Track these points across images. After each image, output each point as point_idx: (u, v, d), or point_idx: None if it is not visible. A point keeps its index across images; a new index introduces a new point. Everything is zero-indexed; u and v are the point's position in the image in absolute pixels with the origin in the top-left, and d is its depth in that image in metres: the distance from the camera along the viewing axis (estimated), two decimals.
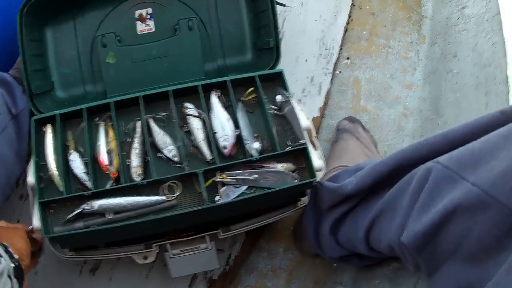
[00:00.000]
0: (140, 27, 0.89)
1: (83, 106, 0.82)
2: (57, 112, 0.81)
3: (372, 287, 0.87)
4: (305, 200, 0.82)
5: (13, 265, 0.59)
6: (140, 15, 0.88)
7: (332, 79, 1.02)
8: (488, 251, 0.52)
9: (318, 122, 0.99)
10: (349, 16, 1.08)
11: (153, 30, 0.89)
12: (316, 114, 0.99)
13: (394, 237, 0.62)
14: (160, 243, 0.80)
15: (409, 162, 0.64)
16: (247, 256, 0.93)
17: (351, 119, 0.97)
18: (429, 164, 0.58)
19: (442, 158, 0.57)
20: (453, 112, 1.03)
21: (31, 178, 0.77)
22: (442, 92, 1.05)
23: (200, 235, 0.80)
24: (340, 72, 1.04)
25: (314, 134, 0.85)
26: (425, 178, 0.58)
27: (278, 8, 0.87)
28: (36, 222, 0.74)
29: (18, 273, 0.60)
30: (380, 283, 0.86)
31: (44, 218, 0.74)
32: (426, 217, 0.56)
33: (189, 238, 0.80)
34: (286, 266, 0.93)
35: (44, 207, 0.75)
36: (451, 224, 0.53)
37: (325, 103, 1.00)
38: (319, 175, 0.84)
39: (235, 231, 0.80)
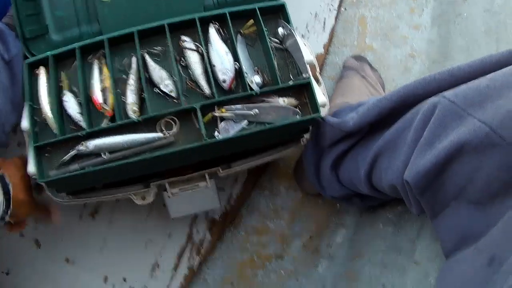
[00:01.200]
0: None
1: (76, 45, 0.78)
2: (49, 53, 0.78)
3: (375, 231, 0.86)
4: (307, 137, 0.80)
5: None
6: None
7: (337, 16, 0.97)
8: (494, 195, 0.49)
9: (322, 59, 0.95)
10: None
11: None
12: (320, 50, 0.95)
13: (396, 175, 0.60)
14: (158, 182, 0.78)
15: (413, 98, 0.61)
16: (248, 196, 0.92)
17: (358, 57, 0.93)
18: (434, 98, 0.55)
19: (448, 93, 0.54)
20: (462, 56, 0.99)
21: (25, 122, 0.75)
22: (450, 36, 1.01)
23: (199, 172, 0.78)
24: (345, 9, 0.99)
25: (317, 69, 0.82)
26: (430, 113, 0.55)
27: None
28: (31, 167, 0.72)
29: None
30: (384, 227, 0.85)
31: (39, 163, 0.72)
32: (430, 154, 0.53)
33: (187, 176, 0.78)
34: (288, 206, 0.92)
35: (39, 151, 0.73)
36: (457, 163, 0.51)
37: (330, 40, 0.95)
38: (323, 111, 0.81)
39: (235, 168, 0.78)
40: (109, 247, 0.91)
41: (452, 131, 0.51)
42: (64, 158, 0.71)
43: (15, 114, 0.84)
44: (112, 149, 0.72)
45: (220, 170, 0.77)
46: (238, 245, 0.90)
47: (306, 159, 0.83)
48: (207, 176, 0.78)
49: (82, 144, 0.71)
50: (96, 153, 0.72)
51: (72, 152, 0.72)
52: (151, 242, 0.90)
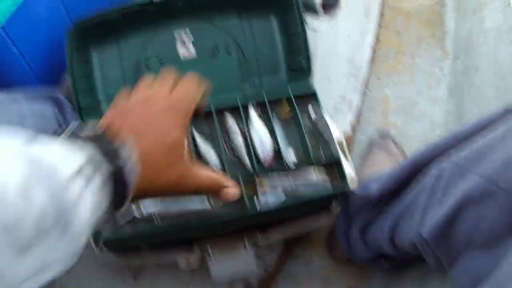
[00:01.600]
0: (181, 50, 0.97)
1: None
2: None
3: None
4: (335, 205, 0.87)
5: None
6: (181, 38, 0.96)
7: (362, 97, 1.07)
8: (499, 237, 0.56)
9: (350, 138, 1.04)
10: (376, 37, 1.14)
11: (194, 55, 0.96)
12: (348, 130, 1.04)
13: (415, 233, 0.67)
14: (200, 244, 0.85)
15: (425, 163, 0.70)
16: (284, 263, 0.97)
17: (383, 135, 1.03)
18: (442, 164, 0.64)
19: (453, 157, 0.63)
20: None
21: None
22: (465, 105, 1.09)
23: (237, 235, 0.84)
24: (369, 90, 1.10)
25: (345, 147, 0.90)
26: (439, 177, 0.64)
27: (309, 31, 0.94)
28: None
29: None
30: (411, 286, 0.89)
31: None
32: (441, 211, 0.61)
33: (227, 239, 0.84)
34: (321, 273, 0.97)
35: None
36: (463, 214, 0.58)
37: (357, 120, 1.05)
38: (351, 185, 0.89)
39: (273, 238, 0.85)
40: None
41: (457, 188, 0.59)
42: (119, 221, 0.79)
43: None
44: (163, 215, 0.80)
45: (258, 235, 0.84)
46: None
47: (338, 228, 0.90)
48: (245, 239, 0.85)
49: (137, 208, 0.79)
50: (146, 218, 0.80)
51: (128, 217, 0.80)
52: None
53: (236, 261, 0.85)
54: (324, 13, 1.05)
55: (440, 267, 0.69)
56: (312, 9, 1.03)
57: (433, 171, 0.66)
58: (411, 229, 0.69)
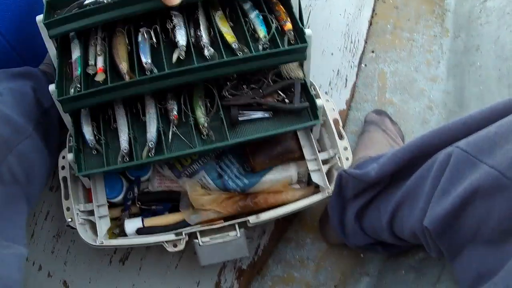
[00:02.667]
0: None
1: None
2: None
3: (397, 277, 0.87)
4: (329, 189, 0.83)
5: None
6: None
7: (357, 72, 1.03)
8: (506, 234, 0.52)
9: (344, 114, 1.00)
10: (373, 10, 1.09)
11: None
12: (343, 106, 1.00)
13: (416, 222, 0.63)
14: (189, 231, 0.81)
15: (429, 148, 0.65)
16: (275, 246, 0.94)
17: (378, 112, 0.98)
18: (449, 148, 0.59)
19: (461, 143, 0.57)
20: (476, 105, 1.03)
21: None
22: (465, 85, 1.05)
23: (230, 222, 0.81)
24: (365, 65, 1.05)
25: (340, 124, 0.86)
26: (445, 163, 0.59)
27: (303, 3, 0.89)
28: None
29: None
30: (406, 273, 0.86)
31: None
32: (446, 201, 0.56)
33: (218, 225, 0.81)
34: (313, 257, 0.94)
35: None
36: (471, 207, 0.54)
37: (351, 96, 1.00)
38: (346, 164, 0.85)
39: (264, 217, 0.81)
40: None
41: (465, 178, 0.55)
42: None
43: (52, 159, 0.89)
44: None
45: (250, 220, 0.80)
46: None
47: (331, 211, 0.86)
48: (237, 226, 0.81)
49: None
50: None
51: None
52: None
53: (226, 247, 0.82)
54: None
55: (441, 257, 0.65)
56: None
57: (439, 156, 0.61)
58: (412, 218, 0.65)
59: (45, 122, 0.86)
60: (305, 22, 0.87)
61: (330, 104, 0.86)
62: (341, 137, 0.86)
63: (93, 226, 0.86)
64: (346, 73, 1.02)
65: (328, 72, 1.02)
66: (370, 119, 0.97)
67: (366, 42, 1.06)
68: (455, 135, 0.61)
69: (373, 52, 1.07)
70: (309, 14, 0.83)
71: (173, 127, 0.80)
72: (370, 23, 1.08)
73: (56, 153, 0.91)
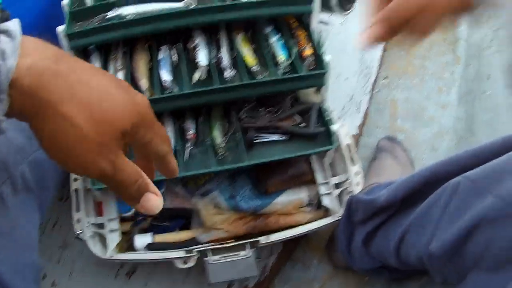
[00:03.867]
0: None
1: None
2: None
3: None
4: (339, 213, 0.84)
5: None
6: None
7: (370, 98, 1.04)
8: (507, 261, 0.54)
9: (356, 139, 1.01)
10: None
11: None
12: (355, 131, 1.01)
13: (424, 248, 0.65)
14: (200, 249, 0.82)
15: (439, 177, 0.67)
16: (282, 267, 0.94)
17: (390, 139, 1.00)
18: (457, 179, 0.61)
19: (469, 173, 0.59)
20: (486, 132, 1.05)
21: None
22: (476, 112, 1.07)
23: (241, 242, 0.82)
24: (378, 91, 1.06)
25: (353, 148, 0.87)
26: (453, 192, 0.61)
27: (318, 27, 0.89)
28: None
29: None
30: None
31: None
32: (453, 228, 0.58)
33: (229, 245, 0.81)
34: (319, 278, 0.94)
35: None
36: (476, 235, 0.56)
37: (364, 121, 1.02)
38: (356, 190, 0.86)
39: (274, 240, 0.82)
40: None
41: (472, 207, 0.57)
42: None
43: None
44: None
45: (260, 241, 0.81)
46: None
47: (339, 234, 0.87)
48: (248, 246, 0.82)
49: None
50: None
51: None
52: None
53: (236, 265, 0.82)
54: (340, 8, 1.01)
55: (447, 282, 0.66)
56: (327, 5, 0.99)
57: (448, 186, 0.62)
58: (419, 243, 0.66)
59: None
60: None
61: (344, 129, 0.87)
62: (353, 162, 0.87)
63: (102, 239, 0.87)
64: (360, 98, 1.04)
65: (342, 97, 1.03)
66: (382, 146, 0.98)
67: (379, 68, 1.07)
68: (464, 165, 0.63)
69: (386, 78, 1.09)
70: (323, 43, 0.84)
71: (191, 146, 0.80)
72: (384, 49, 1.09)
73: None
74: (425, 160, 1.03)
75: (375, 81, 1.06)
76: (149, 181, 0.41)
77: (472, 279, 0.60)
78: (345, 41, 1.07)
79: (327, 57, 0.81)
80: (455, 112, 1.08)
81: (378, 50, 1.09)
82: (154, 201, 0.41)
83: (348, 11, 1.03)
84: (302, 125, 0.83)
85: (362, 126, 1.02)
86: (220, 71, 0.81)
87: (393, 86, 1.09)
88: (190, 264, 0.82)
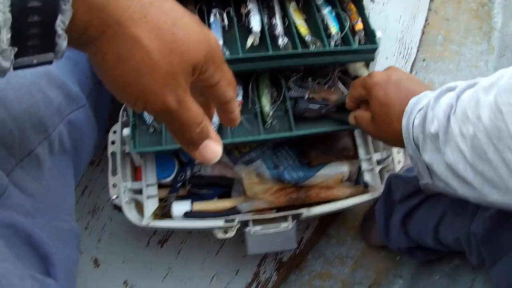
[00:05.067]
0: None
1: None
2: None
3: (431, 282, 0.89)
4: (379, 190, 0.84)
5: None
6: None
7: None
8: None
9: None
10: (426, 20, 1.10)
11: None
12: None
13: (463, 228, 0.65)
14: (242, 219, 0.81)
15: None
16: (316, 242, 0.94)
17: None
18: None
19: None
20: None
21: None
22: None
23: (283, 214, 0.81)
24: (416, 73, 1.06)
25: None
26: None
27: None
28: None
29: None
30: (440, 279, 0.88)
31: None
32: (494, 208, 0.58)
33: (272, 215, 0.81)
34: (352, 255, 0.94)
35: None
36: None
37: None
38: (398, 167, 0.86)
39: (316, 213, 0.82)
40: (173, 277, 0.92)
41: None
42: None
43: (99, 132, 0.86)
44: None
45: (304, 212, 0.81)
46: None
47: (377, 212, 0.86)
48: (290, 218, 0.81)
49: None
50: None
51: None
52: (217, 277, 0.91)
53: (276, 237, 0.81)
54: None
55: (481, 265, 0.66)
56: None
57: None
58: (459, 223, 0.66)
59: (98, 93, 0.85)
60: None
61: None
62: None
63: (138, 205, 0.85)
64: None
65: None
66: None
67: (418, 50, 1.07)
68: None
69: (424, 61, 1.09)
70: (368, 17, 0.84)
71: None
72: (423, 32, 1.09)
73: (104, 126, 0.89)
74: None
75: (414, 62, 1.06)
76: (211, 126, 0.38)
77: (506, 262, 0.59)
78: (385, 22, 1.07)
79: (378, 33, 0.80)
80: None
81: (417, 33, 1.08)
82: (214, 148, 0.38)
83: None
84: None
85: None
86: (273, 38, 0.79)
87: (431, 70, 1.09)
88: (230, 234, 0.81)
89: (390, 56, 1.05)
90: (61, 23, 0.30)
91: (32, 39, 0.29)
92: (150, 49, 0.32)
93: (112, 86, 0.33)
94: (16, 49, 0.29)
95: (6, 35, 0.28)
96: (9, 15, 0.28)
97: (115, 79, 0.33)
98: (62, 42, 0.31)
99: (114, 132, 0.88)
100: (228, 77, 0.39)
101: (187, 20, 0.35)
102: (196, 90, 0.39)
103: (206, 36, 0.35)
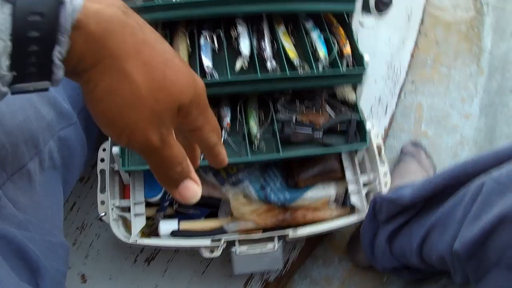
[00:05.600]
0: None
1: None
2: None
3: None
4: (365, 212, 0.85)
5: None
6: None
7: (397, 102, 1.05)
8: None
9: (382, 141, 1.02)
10: (416, 43, 1.12)
11: None
12: (381, 133, 1.02)
13: (446, 247, 0.66)
14: (229, 239, 0.81)
15: (463, 177, 0.68)
16: (303, 263, 0.94)
17: (415, 144, 1.01)
18: (482, 179, 0.63)
19: (493, 174, 0.61)
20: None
21: None
22: (497, 124, 1.09)
23: (269, 235, 0.81)
24: (404, 95, 1.08)
25: (383, 150, 0.88)
26: (477, 192, 0.62)
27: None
28: None
29: None
30: None
31: None
32: (476, 226, 0.59)
33: (258, 236, 0.81)
34: (339, 276, 0.94)
35: None
36: (498, 232, 0.57)
37: (390, 124, 1.03)
38: (385, 190, 0.87)
39: (302, 234, 0.82)
40: None
41: (495, 205, 0.58)
42: None
43: (89, 149, 0.87)
44: None
45: (290, 234, 0.81)
46: None
47: (363, 233, 0.87)
48: (276, 239, 0.81)
49: None
50: None
51: None
52: None
53: (262, 257, 0.82)
54: (377, 11, 1.02)
55: (466, 284, 0.67)
56: (365, 7, 1.00)
57: (472, 186, 0.64)
58: (442, 242, 0.67)
59: (89, 111, 0.85)
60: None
61: (375, 130, 0.88)
62: (382, 162, 0.87)
63: (125, 223, 0.86)
64: (387, 101, 1.05)
65: (371, 99, 1.04)
66: (407, 150, 1.00)
67: (407, 73, 1.08)
68: (487, 165, 0.65)
69: (413, 83, 1.10)
70: (357, 41, 0.86)
71: (225, 135, 0.80)
72: (412, 56, 1.11)
73: (94, 143, 0.90)
74: (446, 167, 1.04)
75: (403, 85, 1.07)
76: (192, 168, 0.39)
77: (493, 278, 0.60)
78: (375, 45, 1.09)
79: (366, 56, 0.82)
80: (477, 123, 1.10)
81: (406, 56, 1.10)
82: (194, 189, 0.38)
83: (382, 14, 1.04)
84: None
85: (388, 128, 1.03)
86: (261, 61, 0.81)
87: (419, 92, 1.10)
88: (217, 254, 0.81)
89: (379, 79, 1.06)
90: (58, 53, 0.31)
91: (30, 67, 0.31)
92: (140, 85, 0.33)
93: (99, 117, 0.34)
94: (14, 74, 0.30)
95: (5, 62, 0.29)
96: (9, 43, 0.29)
97: (103, 110, 0.34)
98: (59, 71, 0.32)
99: (104, 149, 0.89)
100: (212, 123, 0.39)
101: (177, 62, 0.36)
102: (180, 133, 0.40)
103: (194, 80, 0.37)
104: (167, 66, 0.34)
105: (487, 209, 0.59)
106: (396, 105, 1.06)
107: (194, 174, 0.39)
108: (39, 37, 0.30)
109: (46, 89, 0.33)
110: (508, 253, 0.57)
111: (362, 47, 0.83)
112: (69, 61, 0.32)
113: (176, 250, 0.94)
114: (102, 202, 0.85)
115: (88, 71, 0.32)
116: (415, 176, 0.96)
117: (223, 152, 0.42)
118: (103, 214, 0.84)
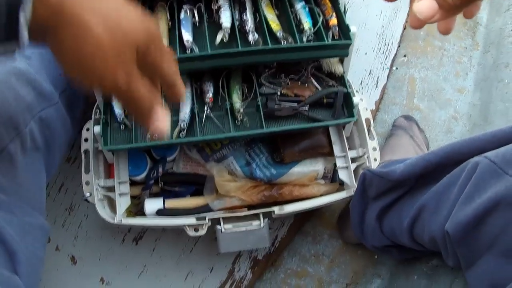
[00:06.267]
0: None
1: None
2: None
3: (409, 282, 0.88)
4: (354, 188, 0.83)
5: None
6: None
7: (388, 75, 1.03)
8: None
9: (373, 115, 0.99)
10: (408, 14, 1.09)
11: None
12: (372, 107, 1.00)
13: (438, 227, 0.63)
14: (213, 217, 0.80)
15: (458, 156, 0.65)
16: (292, 240, 0.93)
17: (408, 117, 0.98)
18: (477, 158, 0.60)
19: (489, 154, 0.58)
20: (501, 121, 1.03)
21: None
22: (492, 100, 1.06)
23: (254, 212, 0.80)
24: (396, 68, 1.05)
25: (372, 124, 0.86)
26: (473, 171, 0.59)
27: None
28: None
29: None
30: (418, 278, 0.86)
31: None
32: (470, 208, 0.57)
33: (243, 214, 0.80)
34: (328, 253, 0.93)
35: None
36: (492, 216, 0.55)
37: (381, 97, 1.00)
38: (374, 165, 0.85)
39: (289, 211, 0.81)
40: (148, 274, 0.92)
41: (490, 187, 0.55)
42: None
43: (74, 129, 0.86)
44: None
45: (275, 212, 0.80)
46: (276, 286, 0.91)
47: (352, 209, 0.85)
48: (261, 216, 0.80)
49: None
50: None
51: None
52: (192, 274, 0.91)
53: (248, 236, 0.81)
54: None
55: (458, 266, 0.65)
56: None
57: (467, 165, 0.61)
58: (434, 222, 0.65)
59: (72, 91, 0.84)
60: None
61: (364, 103, 0.86)
62: (371, 137, 0.85)
63: (111, 203, 0.85)
64: (378, 74, 1.02)
65: (361, 71, 1.01)
66: (399, 124, 0.97)
67: (399, 45, 1.05)
68: (484, 146, 0.62)
69: (405, 56, 1.07)
70: (347, 12, 0.83)
71: (208, 110, 0.78)
72: (404, 28, 1.08)
73: (78, 124, 0.89)
74: (439, 142, 1.02)
75: (394, 58, 1.05)
76: (159, 99, 0.44)
77: (485, 263, 0.58)
78: (365, 17, 1.06)
79: (353, 28, 0.79)
80: (471, 98, 1.07)
81: (399, 28, 1.07)
82: (164, 118, 0.45)
83: None
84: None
85: (379, 102, 1.01)
86: (244, 35, 0.78)
87: (412, 65, 1.07)
88: (201, 232, 0.80)
89: (370, 51, 1.03)
90: (23, 15, 0.35)
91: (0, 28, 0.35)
92: (100, 32, 0.38)
93: (70, 68, 0.40)
94: None
95: None
96: None
97: (73, 65, 0.39)
98: (24, 32, 0.36)
99: (87, 129, 0.88)
100: (169, 55, 0.45)
101: (127, 8, 0.42)
102: (145, 69, 0.44)
103: (144, 21, 0.42)
104: (120, 13, 0.40)
105: (481, 190, 0.56)
106: (388, 78, 1.03)
107: (161, 105, 0.45)
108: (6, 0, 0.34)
109: (13, 52, 0.37)
110: (501, 239, 0.54)
111: (352, 19, 0.80)
112: (33, 28, 0.37)
113: (164, 229, 0.93)
114: (87, 183, 0.84)
115: (52, 34, 0.38)
116: (407, 150, 0.94)
117: (181, 83, 0.47)
118: (88, 194, 0.83)
